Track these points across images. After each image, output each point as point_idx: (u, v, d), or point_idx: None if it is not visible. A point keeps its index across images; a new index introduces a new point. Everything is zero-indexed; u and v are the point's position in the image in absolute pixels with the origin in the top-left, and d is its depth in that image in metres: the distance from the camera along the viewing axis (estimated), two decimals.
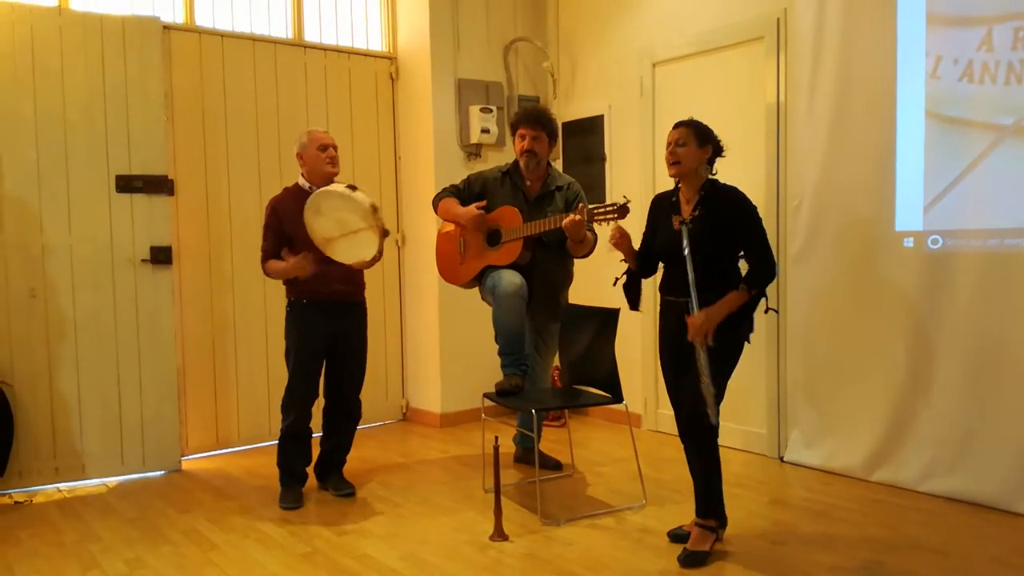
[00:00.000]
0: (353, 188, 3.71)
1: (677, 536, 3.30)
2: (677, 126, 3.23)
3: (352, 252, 3.73)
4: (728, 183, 3.23)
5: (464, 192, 4.26)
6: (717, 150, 3.24)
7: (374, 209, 3.68)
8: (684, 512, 3.37)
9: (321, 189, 3.73)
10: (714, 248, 3.12)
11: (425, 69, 5.38)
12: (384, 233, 3.71)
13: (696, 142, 3.17)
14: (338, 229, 3.71)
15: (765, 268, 3.12)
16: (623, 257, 3.38)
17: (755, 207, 3.18)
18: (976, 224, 3.64)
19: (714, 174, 3.24)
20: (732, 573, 3.02)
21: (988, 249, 3.60)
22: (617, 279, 3.43)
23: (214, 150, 4.91)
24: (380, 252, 3.76)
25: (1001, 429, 3.57)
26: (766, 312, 3.19)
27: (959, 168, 3.70)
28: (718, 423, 3.08)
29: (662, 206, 3.35)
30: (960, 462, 3.70)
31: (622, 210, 3.57)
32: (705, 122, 3.25)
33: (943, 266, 3.74)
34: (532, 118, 4.16)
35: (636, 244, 3.40)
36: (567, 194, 4.17)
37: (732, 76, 4.61)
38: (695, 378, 3.07)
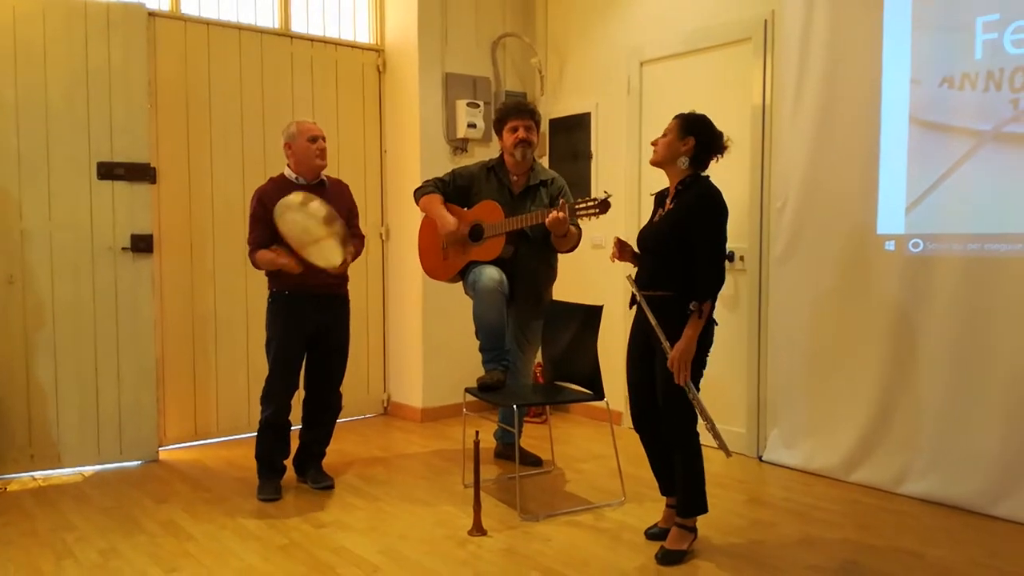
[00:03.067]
0: (309, 197, 3.77)
1: (654, 535, 3.31)
2: (675, 117, 3.17)
3: (323, 257, 3.76)
4: (714, 183, 3.14)
5: (449, 186, 4.25)
6: (707, 145, 3.11)
7: (328, 220, 3.76)
8: (663, 509, 3.37)
9: (280, 200, 3.74)
10: (670, 244, 3.05)
11: (412, 62, 5.36)
12: (345, 241, 3.79)
13: (678, 134, 3.10)
14: (306, 236, 3.74)
15: (710, 277, 3.01)
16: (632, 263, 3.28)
17: (721, 209, 3.05)
18: (957, 228, 3.67)
19: (701, 170, 3.15)
20: (708, 572, 3.03)
21: (969, 253, 3.63)
22: (630, 276, 3.30)
23: (197, 139, 4.87)
24: (347, 259, 3.82)
25: (979, 432, 3.60)
26: (700, 318, 3.02)
27: (940, 173, 3.73)
28: (730, 452, 3.11)
29: (657, 201, 3.31)
30: (938, 464, 3.73)
31: (603, 205, 3.56)
32: None
33: (924, 269, 3.77)
34: (523, 109, 4.19)
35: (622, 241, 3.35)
36: (551, 189, 4.17)
37: (719, 76, 4.62)
38: (666, 385, 3.07)
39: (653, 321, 3.03)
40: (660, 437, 3.24)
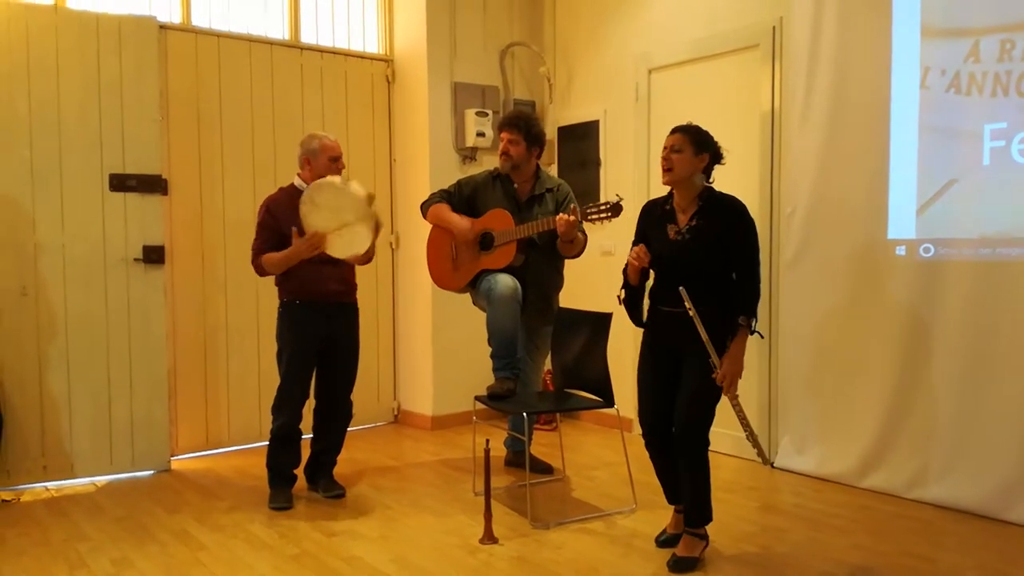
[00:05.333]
0: (347, 180, 3.73)
1: (664, 541, 3.31)
2: (674, 131, 3.14)
3: (346, 246, 3.73)
4: (726, 192, 3.16)
5: (455, 197, 4.26)
6: (715, 157, 3.15)
7: (369, 200, 3.69)
8: (671, 515, 3.36)
9: (316, 182, 3.73)
10: (710, 260, 3.06)
11: (421, 72, 5.38)
12: (377, 226, 3.73)
13: (692, 149, 3.09)
14: (332, 223, 3.70)
15: (754, 291, 3.07)
16: (630, 273, 3.23)
17: (753, 221, 3.11)
18: (968, 233, 3.66)
19: (711, 182, 3.17)
20: None
21: (980, 258, 3.61)
22: (620, 296, 3.29)
23: (209, 150, 4.91)
24: (372, 249, 3.78)
25: (991, 438, 3.58)
26: (752, 334, 3.09)
27: (949, 178, 3.72)
28: (768, 458, 3.11)
29: (653, 214, 3.26)
30: (950, 470, 3.71)
31: (615, 208, 3.57)
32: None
33: (935, 275, 3.76)
34: (508, 121, 4.19)
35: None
36: (557, 195, 4.18)
37: (727, 83, 4.62)
38: (692, 392, 3.07)
39: (705, 336, 2.99)
40: (671, 446, 3.24)
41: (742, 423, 3.09)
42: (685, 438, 3.11)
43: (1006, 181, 3.54)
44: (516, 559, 3.24)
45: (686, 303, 3.01)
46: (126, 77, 4.38)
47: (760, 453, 3.16)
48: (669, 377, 3.18)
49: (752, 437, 3.11)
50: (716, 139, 3.16)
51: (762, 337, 3.17)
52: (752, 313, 3.05)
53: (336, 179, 3.73)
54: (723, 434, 4.48)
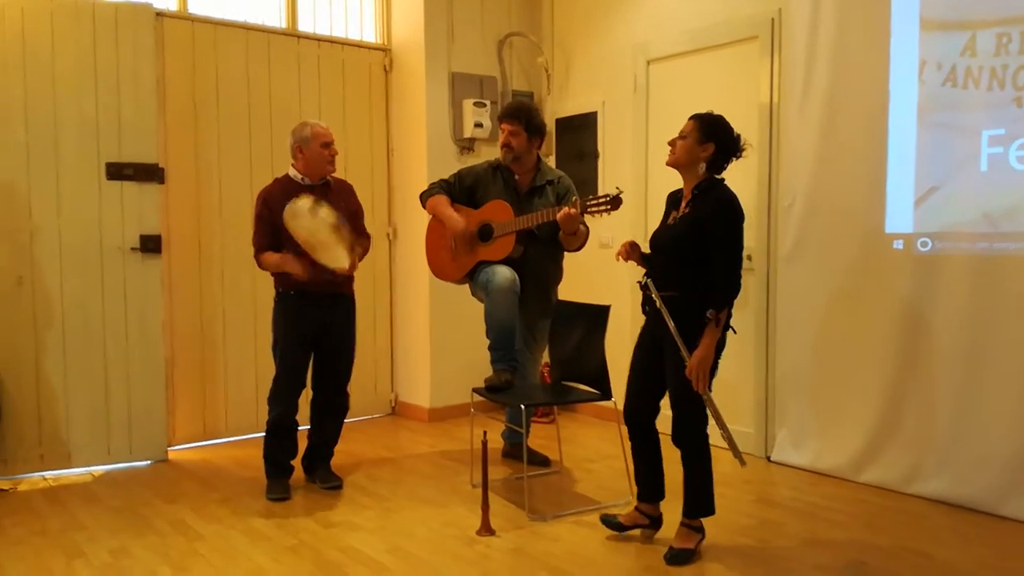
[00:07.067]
0: (318, 203, 3.75)
1: (609, 522, 3.33)
2: (691, 117, 3.12)
3: (331, 258, 3.77)
4: (730, 188, 3.11)
5: (455, 187, 4.24)
6: (726, 150, 3.09)
7: (336, 227, 3.76)
8: (670, 510, 3.36)
9: (289, 205, 3.72)
10: (691, 249, 3.01)
11: (419, 62, 5.36)
12: (352, 247, 3.80)
13: (698, 137, 3.06)
14: (314, 239, 3.75)
15: (727, 286, 2.99)
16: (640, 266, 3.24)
17: (739, 217, 3.03)
18: (965, 227, 3.65)
19: (719, 175, 3.11)
20: (716, 572, 3.03)
21: (977, 252, 3.61)
22: (640, 282, 3.24)
23: (205, 139, 4.89)
24: (355, 263, 3.84)
25: (988, 432, 3.59)
26: (726, 330, 3.06)
27: (947, 171, 3.72)
28: (744, 460, 3.10)
29: (670, 202, 3.28)
30: (947, 464, 3.72)
31: (615, 201, 3.55)
32: None
33: (932, 268, 3.76)
34: (509, 112, 4.16)
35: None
36: (558, 188, 4.17)
37: (726, 75, 4.61)
38: (672, 390, 3.08)
39: (672, 328, 2.98)
40: (652, 438, 3.27)
41: (716, 421, 3.04)
42: (677, 435, 3.13)
43: (1004, 185, 3.54)
44: (513, 551, 3.24)
45: (652, 294, 3.01)
46: (122, 64, 4.36)
47: (737, 455, 3.09)
48: (653, 362, 3.18)
49: (727, 436, 3.05)
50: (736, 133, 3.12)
51: (735, 332, 3.14)
52: (722, 307, 2.98)
53: (306, 203, 3.72)
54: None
